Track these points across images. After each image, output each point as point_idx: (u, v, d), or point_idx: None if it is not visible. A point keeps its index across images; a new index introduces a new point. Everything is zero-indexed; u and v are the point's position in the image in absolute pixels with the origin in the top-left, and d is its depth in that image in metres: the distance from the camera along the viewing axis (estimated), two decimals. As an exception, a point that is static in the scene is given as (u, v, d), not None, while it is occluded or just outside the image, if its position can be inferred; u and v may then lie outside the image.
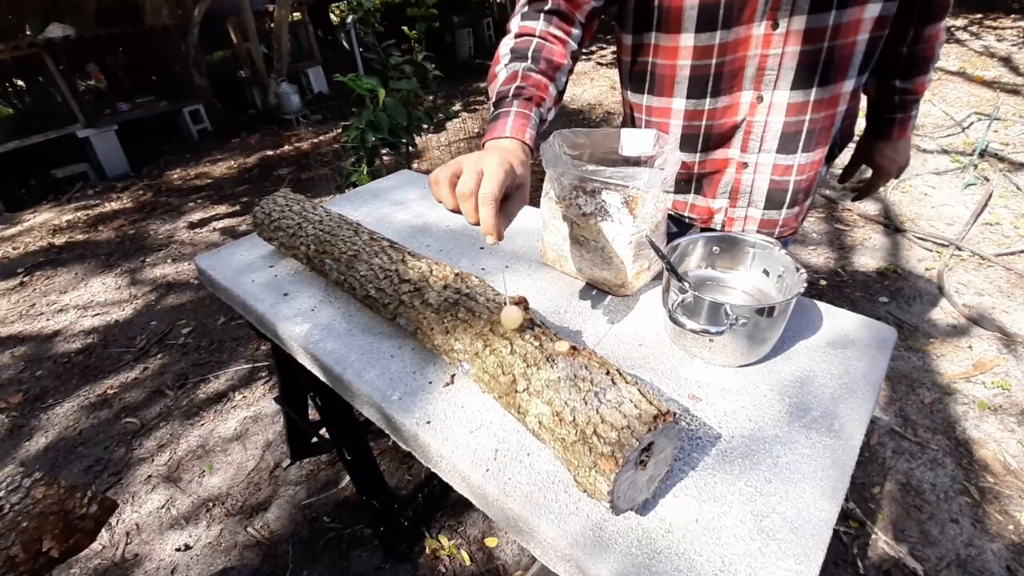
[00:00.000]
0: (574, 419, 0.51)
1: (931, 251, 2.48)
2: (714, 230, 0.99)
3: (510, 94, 0.72)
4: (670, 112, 0.91)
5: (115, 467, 1.73)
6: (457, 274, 0.77)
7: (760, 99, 0.83)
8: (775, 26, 0.76)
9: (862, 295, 2.22)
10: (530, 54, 0.76)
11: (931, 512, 1.45)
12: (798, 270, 0.72)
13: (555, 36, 0.79)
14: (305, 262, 0.96)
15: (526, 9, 0.80)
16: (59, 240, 3.46)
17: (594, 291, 0.92)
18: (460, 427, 0.68)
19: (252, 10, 5.54)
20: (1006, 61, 4.78)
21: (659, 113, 0.93)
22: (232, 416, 1.88)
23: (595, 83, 5.62)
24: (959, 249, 2.43)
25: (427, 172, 3.84)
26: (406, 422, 0.70)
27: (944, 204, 2.82)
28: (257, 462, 1.69)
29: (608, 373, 0.55)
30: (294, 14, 6.35)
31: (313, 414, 1.58)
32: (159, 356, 2.26)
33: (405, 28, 2.22)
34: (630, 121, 1.03)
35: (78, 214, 3.86)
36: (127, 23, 5.15)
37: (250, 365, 2.12)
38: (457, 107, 5.18)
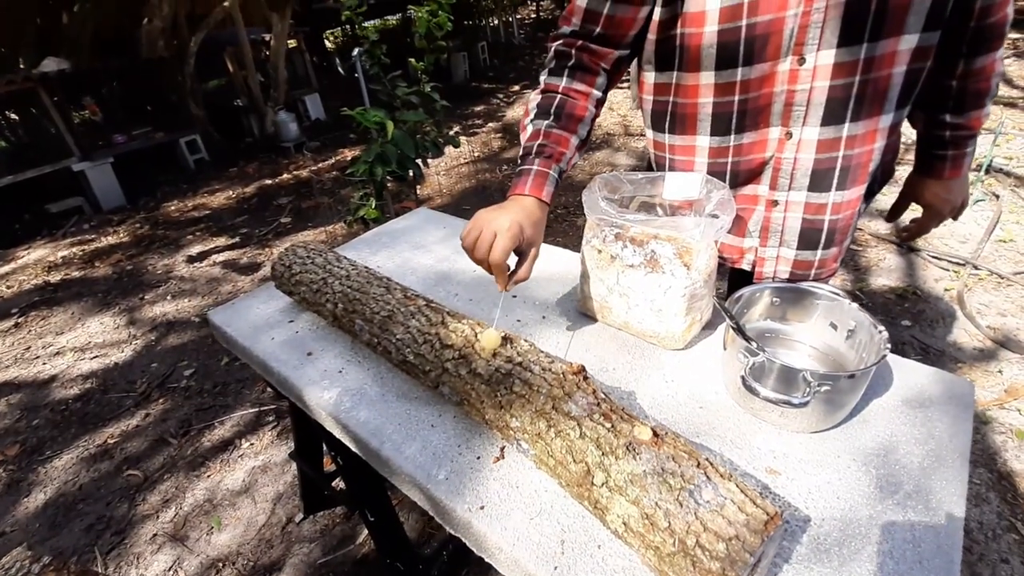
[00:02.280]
0: (670, 525, 0.45)
1: (947, 271, 2.44)
2: (745, 271, 0.94)
3: (533, 151, 0.80)
4: (694, 150, 0.87)
5: (118, 525, 1.64)
6: (505, 337, 0.71)
7: (789, 135, 0.78)
8: (801, 61, 0.72)
9: (884, 318, 2.18)
10: (553, 111, 0.83)
11: (980, 552, 1.38)
12: (875, 327, 0.67)
13: (577, 91, 0.85)
14: (331, 320, 0.90)
15: (552, 65, 0.86)
16: (54, 277, 3.38)
17: (642, 344, 0.86)
18: (518, 512, 0.62)
19: (248, 39, 5.56)
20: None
21: (683, 151, 0.88)
22: (239, 466, 1.80)
23: (592, 105, 5.64)
24: (976, 268, 2.40)
25: (429, 200, 3.79)
26: (456, 507, 0.64)
27: (955, 221, 2.79)
28: (268, 516, 1.60)
29: (699, 465, 0.49)
30: (290, 42, 6.38)
31: (327, 462, 1.50)
32: (161, 401, 2.17)
33: (412, 60, 2.19)
34: (653, 161, 0.99)
35: (73, 249, 3.79)
36: (123, 55, 5.14)
37: (256, 409, 2.04)
38: (456, 130, 5.18)
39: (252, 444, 1.89)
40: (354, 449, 0.80)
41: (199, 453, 1.88)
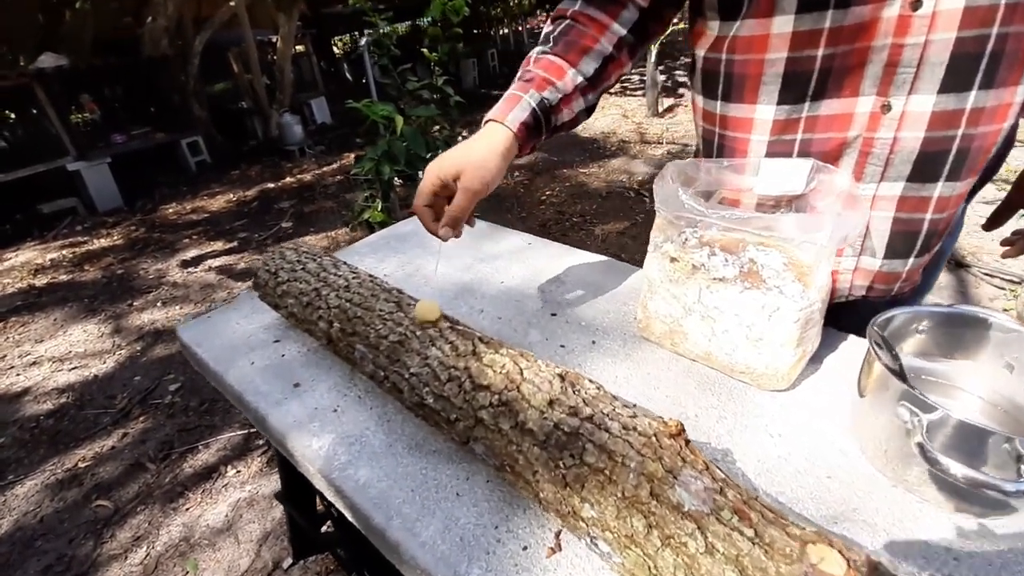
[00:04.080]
0: None
1: (1002, 289, 2.24)
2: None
3: (514, 79, 0.70)
4: (751, 124, 0.66)
5: (80, 567, 1.43)
6: (561, 376, 0.51)
7: (887, 108, 0.58)
8: (917, 5, 0.52)
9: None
10: (552, 37, 0.71)
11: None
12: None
13: (589, 17, 0.70)
14: (325, 342, 0.71)
15: None
16: (40, 281, 3.20)
17: (729, 382, 0.66)
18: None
19: (255, 40, 5.43)
20: None
21: (737, 125, 0.68)
22: (222, 498, 1.59)
23: (605, 112, 5.50)
24: (1036, 286, 2.19)
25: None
26: (499, 631, 0.43)
27: (1002, 234, 2.59)
28: (252, 560, 1.39)
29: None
30: (297, 46, 6.26)
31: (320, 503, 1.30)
32: (141, 419, 1.97)
33: (424, 50, 2.02)
34: (699, 139, 0.79)
35: (63, 252, 3.61)
36: (124, 53, 5.02)
37: (245, 431, 1.84)
38: (464, 134, 5.02)
39: (239, 472, 1.68)
40: (352, 521, 0.59)
41: (179, 481, 1.68)
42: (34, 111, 4.30)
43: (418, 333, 0.59)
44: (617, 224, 3.13)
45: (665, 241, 0.67)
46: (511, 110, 0.65)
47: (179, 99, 5.33)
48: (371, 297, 0.66)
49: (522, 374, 0.52)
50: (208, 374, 0.82)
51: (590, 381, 0.52)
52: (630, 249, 2.84)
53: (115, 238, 3.80)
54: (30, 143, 4.28)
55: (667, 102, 5.29)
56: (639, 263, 0.82)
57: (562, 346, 0.76)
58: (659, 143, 4.37)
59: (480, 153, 0.63)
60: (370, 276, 0.73)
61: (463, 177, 0.62)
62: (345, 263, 0.78)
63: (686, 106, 5.19)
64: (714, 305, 0.63)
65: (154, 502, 1.61)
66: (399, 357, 0.58)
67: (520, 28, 10.19)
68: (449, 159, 0.64)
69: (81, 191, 4.38)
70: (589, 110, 0.76)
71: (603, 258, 0.98)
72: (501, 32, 9.69)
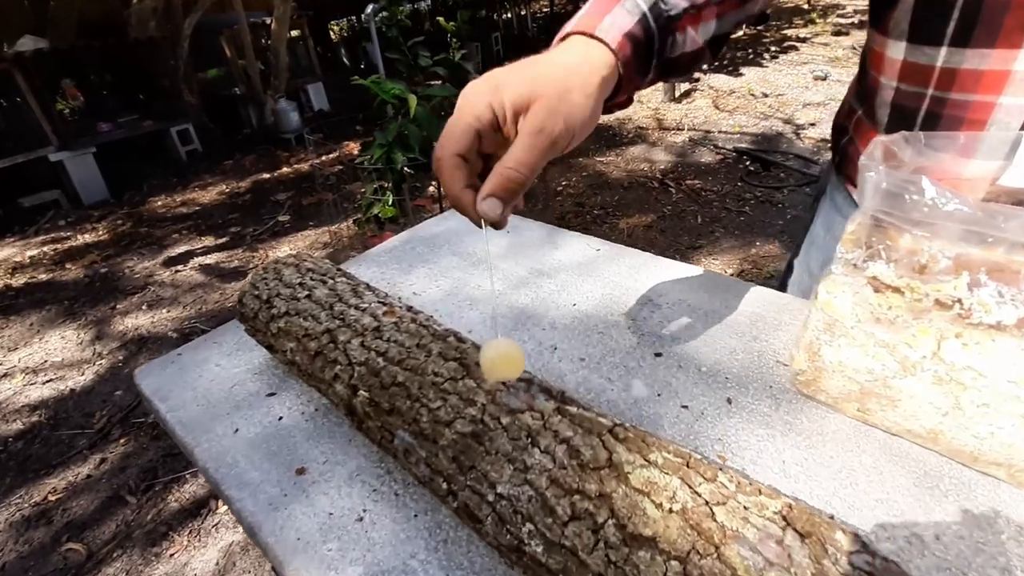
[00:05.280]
0: None
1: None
2: None
3: None
4: (1005, 79, 0.43)
5: (43, 630, 1.21)
6: (788, 521, 0.28)
7: None
8: None
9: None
10: None
11: None
12: None
13: None
14: (344, 412, 0.47)
15: None
16: (17, 281, 2.95)
17: (963, 474, 0.43)
18: None
19: (248, 22, 5.14)
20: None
21: (973, 83, 0.44)
22: (212, 541, 1.37)
23: (618, 97, 5.22)
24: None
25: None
26: None
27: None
28: (247, 623, 1.17)
29: None
30: (292, 30, 5.96)
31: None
32: (121, 441, 1.74)
33: (441, 20, 1.77)
34: (883, 107, 0.54)
35: (44, 248, 3.36)
36: (110, 36, 4.73)
37: (240, 457, 1.61)
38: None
39: (231, 508, 1.46)
40: None
41: (162, 519, 1.45)
42: (17, 99, 4.02)
43: (505, 421, 0.35)
44: (643, 217, 2.89)
45: (870, 258, 0.43)
46: (606, 14, 0.38)
47: (168, 85, 5.04)
48: (417, 348, 0.42)
49: (712, 515, 0.29)
50: (176, 440, 0.58)
51: (843, 532, 0.29)
52: (660, 244, 2.60)
53: (100, 233, 3.55)
54: (10, 132, 4.01)
55: (683, 86, 5.02)
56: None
57: (684, 407, 0.52)
58: (679, 130, 4.12)
59: (561, 77, 0.35)
60: (410, 310, 0.50)
61: (534, 112, 0.34)
62: (368, 287, 0.55)
63: (703, 90, 4.93)
64: (966, 364, 0.39)
65: (133, 545, 1.39)
66: (475, 463, 0.35)
67: (524, 12, 9.86)
68: (514, 80, 0.35)
69: (65, 183, 4.11)
70: (718, 45, 0.48)
71: (697, 271, 0.74)
72: (505, 16, 9.36)
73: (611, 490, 0.31)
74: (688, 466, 0.32)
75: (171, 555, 1.35)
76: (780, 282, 0.78)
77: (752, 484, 0.31)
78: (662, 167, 3.50)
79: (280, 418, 0.55)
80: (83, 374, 2.10)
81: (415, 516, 0.44)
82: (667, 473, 0.31)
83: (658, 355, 0.59)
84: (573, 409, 0.36)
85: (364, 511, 0.45)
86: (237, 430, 0.54)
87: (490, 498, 0.34)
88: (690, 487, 0.30)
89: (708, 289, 0.70)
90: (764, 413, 0.51)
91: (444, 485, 0.36)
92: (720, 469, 0.32)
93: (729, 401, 0.53)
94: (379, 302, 0.50)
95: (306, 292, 0.52)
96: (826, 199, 0.68)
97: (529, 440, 0.34)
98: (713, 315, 0.65)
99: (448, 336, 0.44)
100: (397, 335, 0.44)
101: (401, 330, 0.45)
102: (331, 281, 0.54)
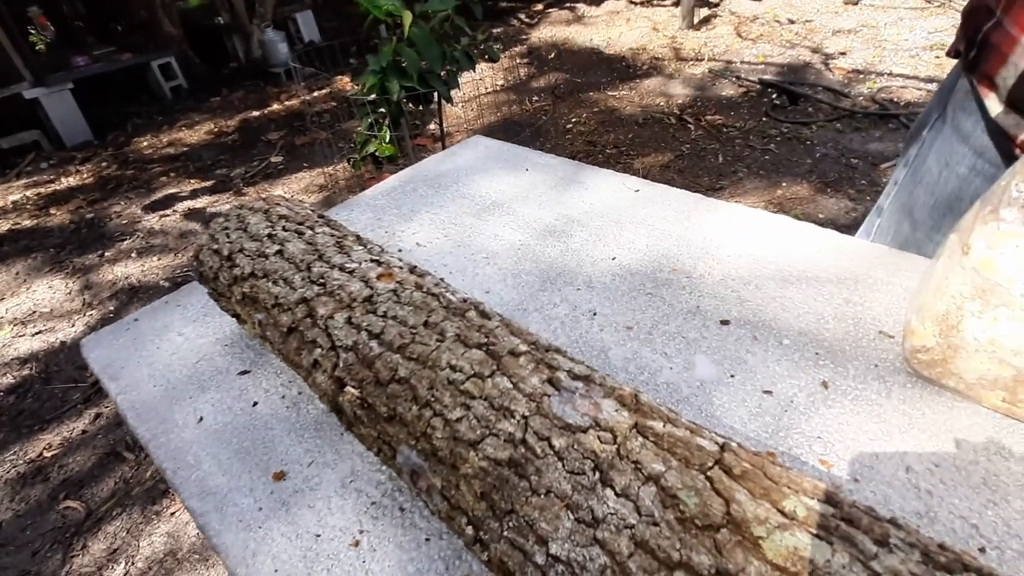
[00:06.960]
0: None
1: None
2: None
3: None
4: None
5: (44, 590, 1.18)
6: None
7: None
8: None
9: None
10: None
11: None
12: None
13: None
14: (329, 406, 0.36)
15: None
16: (1, 227, 2.82)
17: None
18: None
19: (226, -59, 4.68)
20: None
21: None
22: (215, 500, 1.32)
23: (632, 24, 4.85)
24: None
25: (449, 136, 3.15)
26: None
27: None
28: (253, 585, 1.13)
29: None
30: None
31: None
32: (116, 396, 1.67)
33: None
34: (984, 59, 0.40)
35: (27, 193, 3.20)
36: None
37: (239, 413, 1.54)
38: (498, 46, 4.42)
39: (232, 466, 1.40)
40: None
41: (162, 476, 1.40)
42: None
43: (559, 443, 0.24)
44: (659, 156, 2.70)
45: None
46: None
47: (146, 14, 4.67)
48: (424, 329, 0.30)
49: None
50: (129, 428, 0.48)
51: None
52: (677, 186, 2.42)
53: (84, 176, 3.38)
54: (-22, 66, 3.73)
55: (702, 12, 4.63)
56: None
57: (767, 392, 0.41)
58: (698, 60, 3.82)
59: None
60: (413, 271, 0.37)
61: None
62: (359, 239, 0.42)
63: (724, 16, 4.54)
64: None
65: (133, 503, 1.34)
66: (514, 506, 0.24)
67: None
68: None
69: (44, 123, 3.88)
70: None
71: (761, 214, 0.61)
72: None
73: (737, 569, 0.20)
74: (847, 521, 0.21)
75: (172, 514, 1.31)
76: (862, 230, 0.65)
77: (955, 554, 0.20)
78: (680, 101, 3.26)
79: (255, 404, 0.44)
80: (73, 325, 2.02)
81: (427, 540, 0.34)
82: (820, 539, 0.20)
83: (725, 323, 0.48)
84: (658, 425, 0.24)
85: (361, 532, 0.35)
86: (201, 419, 0.44)
87: (538, 559, 0.23)
88: (861, 560, 0.19)
89: (776, 237, 0.57)
90: (872, 401, 0.40)
91: (470, 530, 0.25)
92: (894, 524, 0.21)
93: (825, 385, 0.41)
94: (372, 260, 0.37)
95: (277, 246, 0.40)
96: (940, 125, 0.53)
97: (598, 476, 0.23)
98: (789, 271, 0.52)
99: (467, 310, 0.32)
100: (397, 308, 0.32)
101: (402, 301, 0.33)
102: (309, 232, 0.41)
